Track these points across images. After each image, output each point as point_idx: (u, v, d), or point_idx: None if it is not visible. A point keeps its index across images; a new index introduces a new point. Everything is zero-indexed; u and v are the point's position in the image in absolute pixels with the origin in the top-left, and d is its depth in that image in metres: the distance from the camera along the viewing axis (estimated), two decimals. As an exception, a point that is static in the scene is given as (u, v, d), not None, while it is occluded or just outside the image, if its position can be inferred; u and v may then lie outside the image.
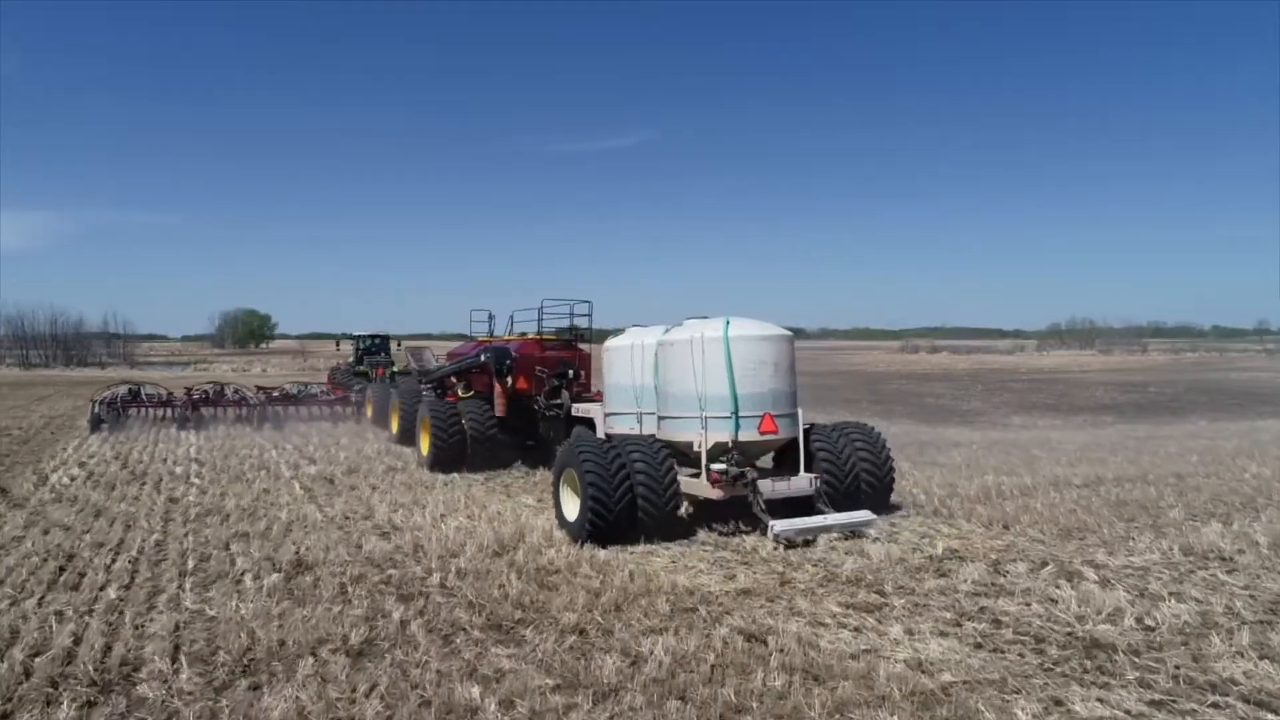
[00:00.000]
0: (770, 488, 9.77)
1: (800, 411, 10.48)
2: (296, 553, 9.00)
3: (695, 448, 9.99)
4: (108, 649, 6.23)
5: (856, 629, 6.63)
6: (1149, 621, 6.67)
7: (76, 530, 10.30)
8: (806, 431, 10.60)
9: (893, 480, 11.07)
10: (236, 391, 25.31)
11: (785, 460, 10.81)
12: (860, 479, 10.56)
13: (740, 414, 9.92)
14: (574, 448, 9.93)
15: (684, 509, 10.37)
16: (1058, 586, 7.61)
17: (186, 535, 10.06)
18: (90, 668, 5.81)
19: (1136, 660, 5.93)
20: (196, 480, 14.09)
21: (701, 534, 9.95)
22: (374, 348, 31.06)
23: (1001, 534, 9.98)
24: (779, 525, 9.12)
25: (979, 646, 6.25)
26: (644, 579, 7.97)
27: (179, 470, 15.20)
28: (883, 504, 10.82)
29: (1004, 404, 34.35)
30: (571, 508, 9.86)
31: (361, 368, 29.04)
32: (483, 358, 15.62)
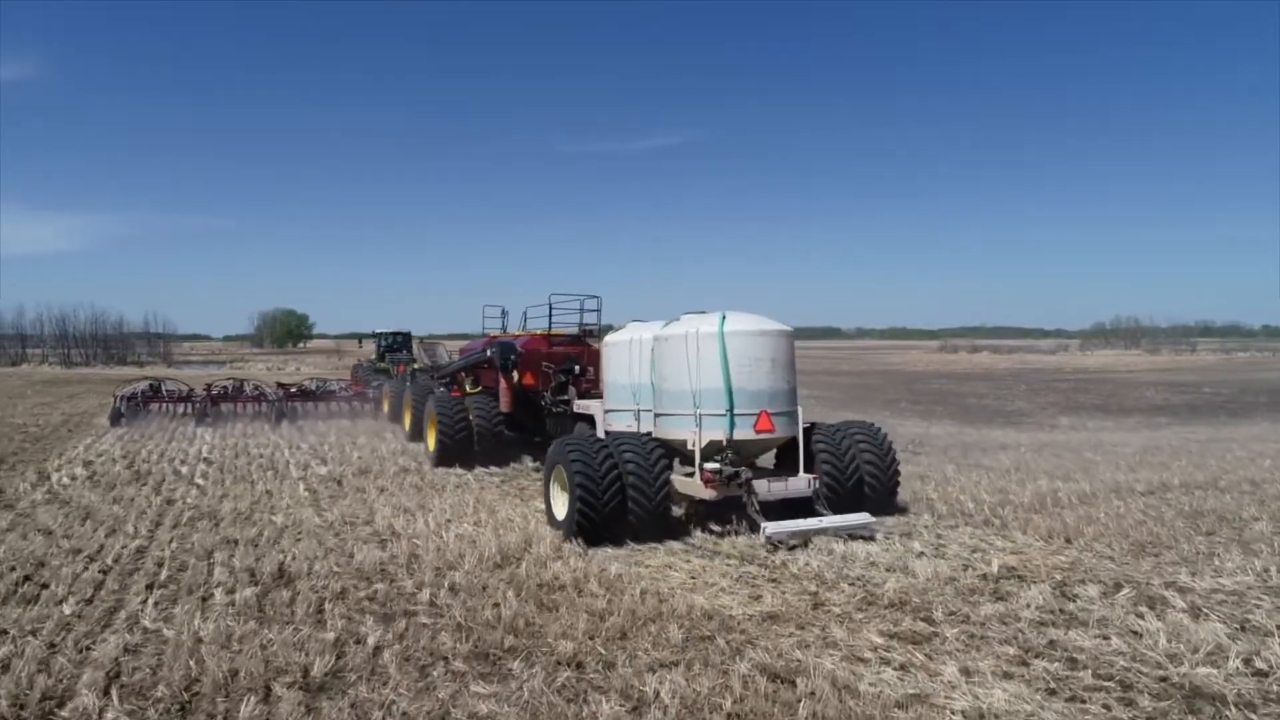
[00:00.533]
0: (766, 488, 9.50)
1: (800, 410, 10.15)
2: (281, 563, 8.19)
3: (689, 446, 9.74)
4: (35, 677, 5.44)
5: (902, 667, 5.63)
6: (1259, 664, 5.58)
7: (56, 535, 9.62)
8: (808, 430, 10.31)
9: (898, 481, 10.66)
10: (255, 388, 25.22)
11: (787, 460, 10.46)
12: (863, 480, 10.24)
13: (736, 411, 9.67)
14: (563, 444, 9.73)
15: (681, 510, 10.02)
16: (1139, 616, 6.54)
17: (171, 542, 9.31)
18: (3, 703, 5.01)
19: (1253, 717, 4.86)
20: (200, 481, 13.44)
21: (725, 545, 9.03)
22: (396, 345, 30.95)
23: (1064, 549, 8.88)
24: (770, 527, 8.83)
25: (1053, 693, 5.22)
26: (656, 599, 7.05)
27: (184, 470, 14.58)
28: (887, 506, 10.45)
29: (1050, 404, 32.95)
30: (561, 505, 9.62)
31: (383, 365, 28.73)
32: (489, 353, 15.40)
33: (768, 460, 11.04)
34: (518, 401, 15.14)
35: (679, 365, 10.05)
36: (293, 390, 25.02)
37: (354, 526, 10.13)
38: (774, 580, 7.78)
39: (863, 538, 9.14)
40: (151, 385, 25.34)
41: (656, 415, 10.63)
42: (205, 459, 15.97)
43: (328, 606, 6.91)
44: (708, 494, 9.29)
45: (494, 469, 14.78)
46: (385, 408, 22.80)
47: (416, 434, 17.66)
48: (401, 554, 8.57)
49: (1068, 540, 9.20)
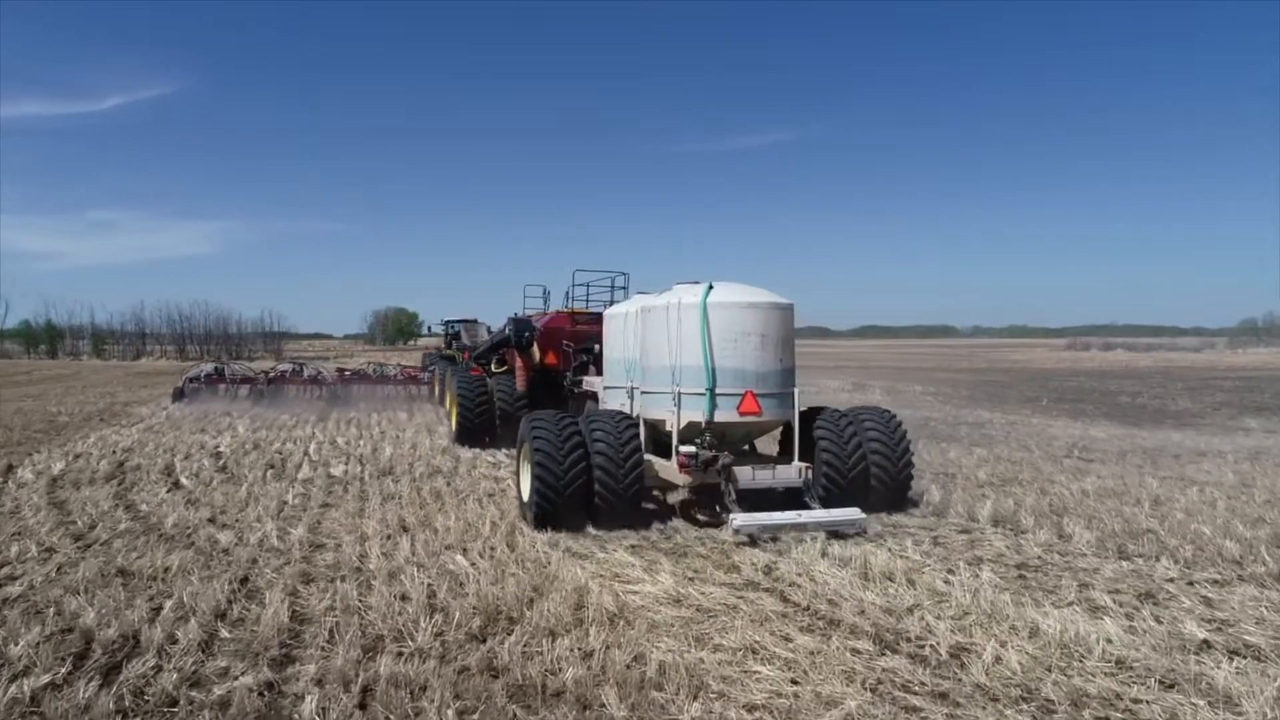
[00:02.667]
0: (750, 476, 8.72)
1: (797, 392, 9.20)
2: (131, 631, 5.33)
3: (667, 427, 8.96)
4: None
5: None
6: None
7: (-77, 555, 7.10)
8: (807, 415, 9.44)
9: (910, 475, 9.51)
10: (317, 371, 26.18)
11: (790, 448, 9.43)
12: (870, 471, 9.20)
13: (718, 391, 8.80)
14: (528, 420, 9.04)
15: (675, 497, 9.56)
16: None
17: (55, 571, 6.64)
18: None
19: None
20: (186, 480, 11.04)
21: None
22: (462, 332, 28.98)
23: None
24: (740, 519, 7.94)
25: None
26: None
27: (181, 464, 12.30)
28: (898, 501, 9.44)
29: (1221, 405, 27.78)
30: (527, 487, 8.84)
31: (449, 351, 27.04)
32: (506, 331, 14.89)
33: (773, 448, 10.19)
34: (539, 381, 14.46)
35: (660, 339, 9.22)
36: (347, 374, 25.96)
37: (313, 553, 7.29)
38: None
39: (846, 536, 7.96)
40: (216, 368, 26.39)
41: (641, 393, 9.65)
42: (216, 453, 13.68)
43: None
44: (681, 480, 8.60)
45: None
46: (436, 392, 22.47)
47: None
48: (339, 608, 5.59)
49: None
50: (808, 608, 5.78)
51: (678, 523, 8.78)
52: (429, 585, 6.12)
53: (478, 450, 14.24)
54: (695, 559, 7.27)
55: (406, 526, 8.38)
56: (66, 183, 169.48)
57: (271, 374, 25.12)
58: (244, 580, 6.43)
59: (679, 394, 8.88)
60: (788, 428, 9.40)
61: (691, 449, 8.57)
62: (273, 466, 12.29)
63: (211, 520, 8.67)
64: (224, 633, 5.19)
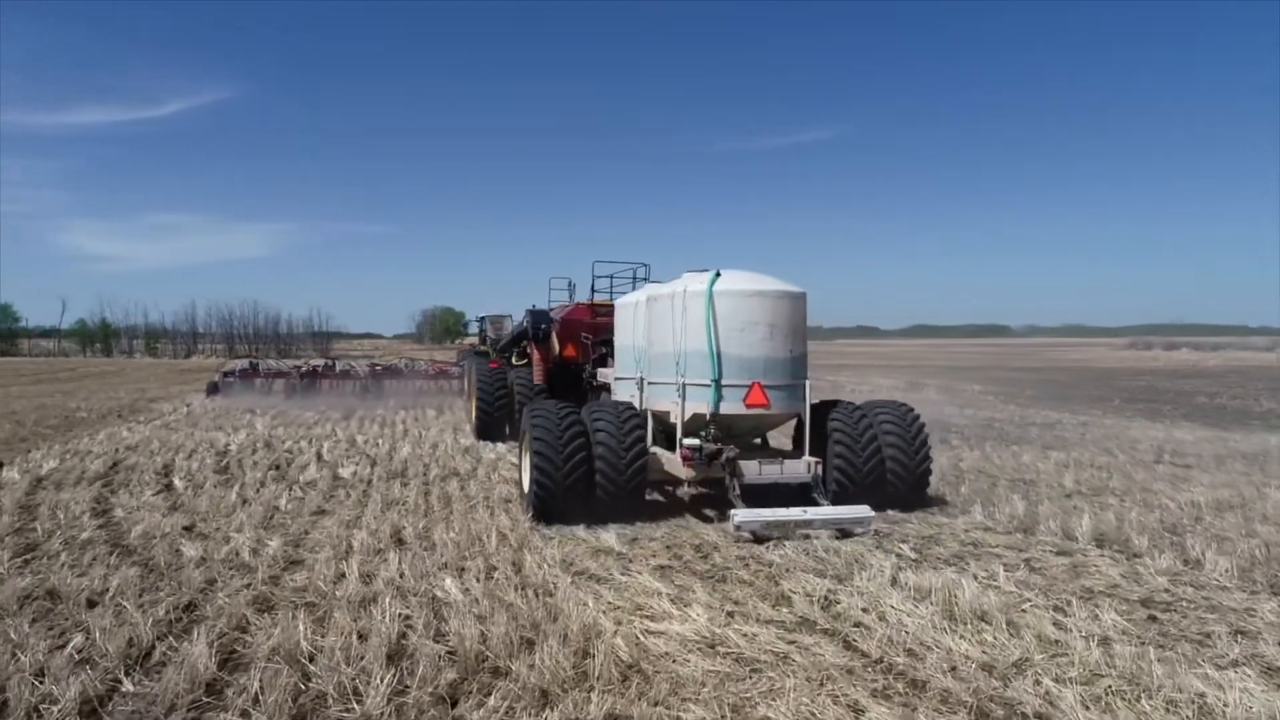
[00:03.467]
0: (757, 471, 8.49)
1: (809, 384, 8.95)
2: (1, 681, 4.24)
3: (672, 419, 8.81)
4: None
5: None
6: None
7: None
8: (820, 408, 9.18)
9: (928, 471, 9.13)
10: (349, 366, 27.04)
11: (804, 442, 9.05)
12: (886, 467, 8.87)
13: (724, 382, 8.55)
14: (528, 410, 8.86)
15: (685, 492, 9.45)
16: None
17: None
18: None
19: None
20: (179, 481, 10.12)
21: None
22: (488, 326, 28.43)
23: None
24: (741, 515, 7.68)
25: None
26: None
27: (183, 463, 11.49)
28: (915, 499, 9.08)
29: (1315, 406, 25.60)
30: (527, 479, 8.68)
31: (482, 348, 25.93)
32: (524, 322, 14.59)
33: (786, 443, 9.94)
34: (558, 374, 13.99)
35: (665, 328, 9.03)
36: (377, 369, 26.27)
37: (284, 572, 6.20)
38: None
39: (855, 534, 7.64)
40: (250, 363, 26.93)
41: (647, 384, 9.44)
42: (224, 450, 12.81)
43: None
44: (684, 473, 8.41)
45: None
46: (465, 388, 22.04)
47: None
48: (282, 649, 4.44)
49: None
50: (880, 660, 4.48)
51: (715, 538, 7.67)
52: (403, 619, 4.95)
53: (502, 450, 13.17)
54: (736, 585, 6.00)
55: (402, 539, 7.27)
56: (129, 188, 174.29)
57: (304, 369, 25.65)
58: (188, 607, 5.33)
59: (683, 385, 8.61)
60: (800, 421, 9.02)
61: (695, 441, 8.32)
62: (277, 467, 11.31)
63: (188, 529, 7.65)
64: (128, 686, 4.06)
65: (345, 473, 10.91)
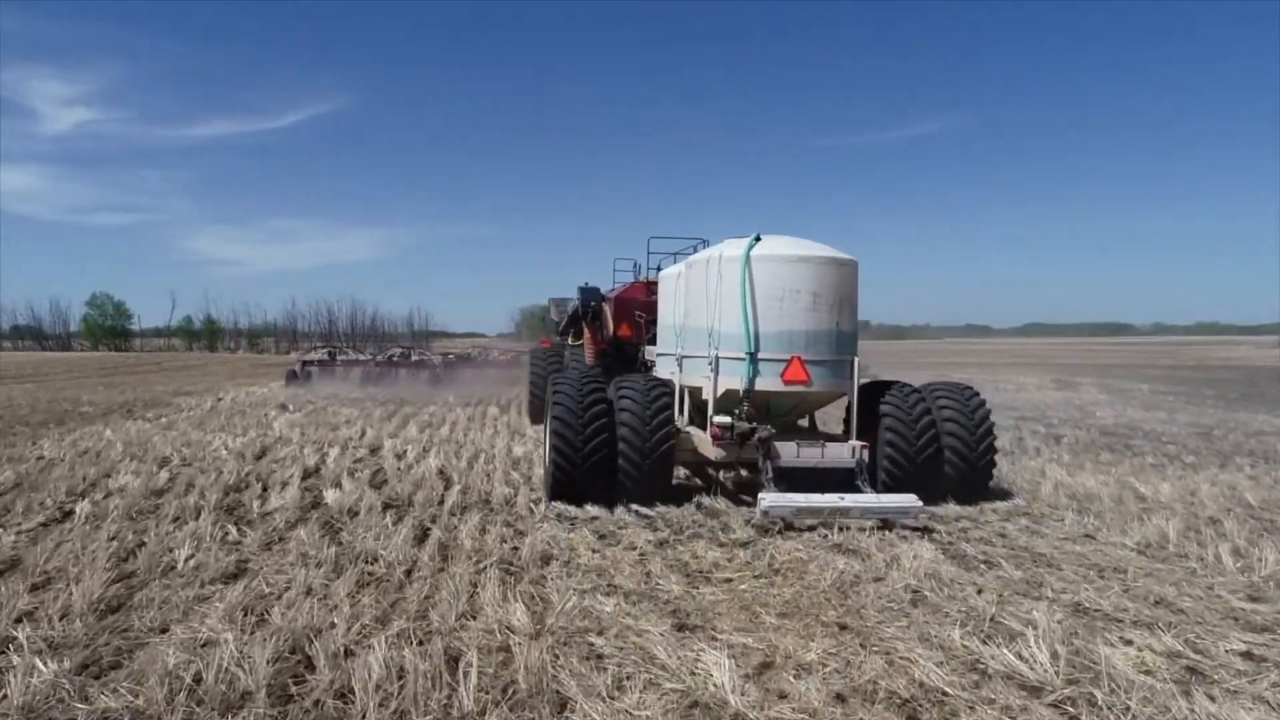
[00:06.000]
0: (794, 453, 7.85)
1: (857, 360, 8.24)
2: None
3: (705, 395, 8.29)
4: None
5: None
6: None
7: None
8: (872, 388, 8.58)
9: (992, 461, 8.42)
10: (422, 355, 29.07)
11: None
12: (944, 455, 8.14)
13: (760, 356, 7.91)
14: (551, 382, 8.45)
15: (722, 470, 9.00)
16: None
17: None
18: None
19: None
20: (87, 509, 7.75)
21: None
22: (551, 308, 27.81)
23: None
24: (769, 499, 7.13)
25: None
26: None
27: (124, 480, 9.44)
28: (976, 492, 8.32)
29: None
30: (548, 457, 8.27)
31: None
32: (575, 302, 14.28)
33: (836, 426, 9.43)
34: (614, 354, 13.53)
35: (700, 298, 8.48)
36: (450, 357, 28.40)
37: (246, 629, 3.97)
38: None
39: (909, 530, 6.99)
40: (329, 352, 28.08)
41: (683, 359, 8.85)
42: (183, 462, 10.63)
43: None
44: (712, 453, 7.94)
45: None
46: None
47: None
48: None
49: None
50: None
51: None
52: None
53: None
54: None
55: (301, 672, 4.16)
56: (251, 195, 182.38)
57: (379, 358, 26.82)
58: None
59: (716, 358, 8.15)
60: (850, 402, 8.44)
61: (727, 420, 7.84)
62: (237, 490, 8.57)
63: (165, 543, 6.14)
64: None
65: (331, 497, 8.10)
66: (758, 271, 7.91)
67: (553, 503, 7.82)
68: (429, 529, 7.13)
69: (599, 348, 13.78)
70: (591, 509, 7.64)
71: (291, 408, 17.82)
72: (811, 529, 7.00)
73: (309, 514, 7.70)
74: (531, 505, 8.12)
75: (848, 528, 6.99)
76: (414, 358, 27.54)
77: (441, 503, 8.26)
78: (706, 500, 8.00)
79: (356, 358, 27.36)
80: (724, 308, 8.05)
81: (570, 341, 15.88)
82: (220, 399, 20.33)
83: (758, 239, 8.17)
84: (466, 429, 14.68)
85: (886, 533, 6.98)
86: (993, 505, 8.17)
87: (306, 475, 9.68)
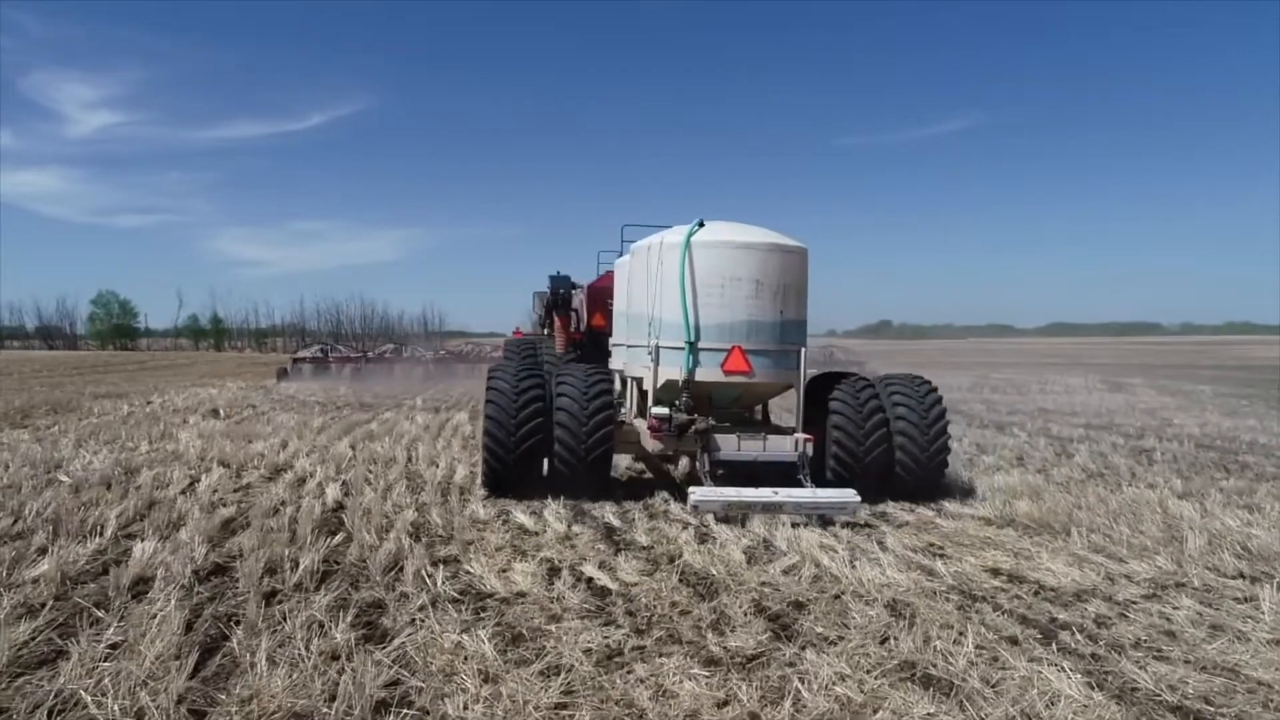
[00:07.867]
0: (735, 446, 7.75)
1: (804, 352, 7.99)
2: None
3: (644, 385, 8.19)
4: None
5: None
6: None
7: None
8: (822, 380, 8.38)
9: (945, 460, 8.17)
10: (413, 351, 29.77)
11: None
12: (893, 451, 7.92)
13: (700, 345, 7.72)
14: (489, 371, 8.36)
15: (681, 465, 8.82)
16: None
17: None
18: None
19: None
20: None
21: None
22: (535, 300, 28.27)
23: None
24: (699, 494, 7.01)
25: None
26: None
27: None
28: (929, 490, 8.11)
29: None
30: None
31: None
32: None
33: (790, 419, 8.69)
34: (590, 344, 13.11)
35: (642, 285, 8.41)
36: (442, 353, 29.34)
37: None
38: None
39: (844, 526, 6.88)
40: (322, 349, 29.16)
41: (627, 348, 8.94)
42: (81, 480, 8.85)
43: None
44: (651, 446, 7.93)
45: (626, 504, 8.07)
46: None
47: None
48: None
49: None
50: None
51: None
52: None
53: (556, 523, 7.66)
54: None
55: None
56: (273, 197, 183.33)
57: (371, 354, 28.24)
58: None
59: (656, 347, 7.95)
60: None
61: (664, 411, 7.66)
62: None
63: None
64: None
65: (137, 551, 5.83)
66: (698, 258, 7.78)
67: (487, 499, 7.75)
68: (213, 634, 4.55)
69: (571, 338, 13.57)
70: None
71: (223, 413, 15.66)
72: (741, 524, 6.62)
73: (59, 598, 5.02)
74: (428, 571, 5.66)
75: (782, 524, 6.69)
76: (406, 354, 28.98)
77: (294, 567, 5.63)
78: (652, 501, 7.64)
79: (348, 355, 28.29)
80: (664, 295, 7.94)
81: (548, 333, 15.70)
82: (150, 402, 17.78)
83: (700, 224, 8.02)
84: (413, 442, 12.25)
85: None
86: (1127, 569, 5.80)
87: (131, 520, 7.03)
